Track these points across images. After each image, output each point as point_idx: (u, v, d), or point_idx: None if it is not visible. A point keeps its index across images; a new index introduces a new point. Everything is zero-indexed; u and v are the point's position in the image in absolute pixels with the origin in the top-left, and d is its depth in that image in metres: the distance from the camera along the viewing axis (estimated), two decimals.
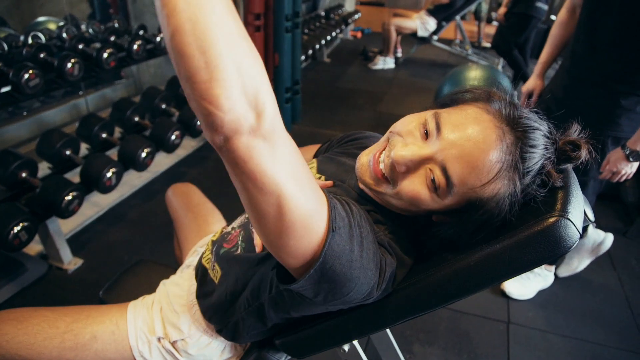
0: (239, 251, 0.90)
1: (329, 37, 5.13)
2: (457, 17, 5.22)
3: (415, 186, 0.68)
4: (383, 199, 0.75)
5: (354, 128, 1.05)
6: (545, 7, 3.88)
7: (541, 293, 2.02)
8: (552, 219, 0.61)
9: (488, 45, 5.94)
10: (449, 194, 0.66)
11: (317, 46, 4.78)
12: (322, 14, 5.76)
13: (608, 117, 1.40)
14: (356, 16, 6.45)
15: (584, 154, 0.66)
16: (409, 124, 0.72)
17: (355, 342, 0.95)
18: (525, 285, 1.97)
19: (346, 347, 0.94)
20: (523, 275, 1.91)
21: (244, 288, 0.87)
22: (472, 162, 0.63)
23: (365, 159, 0.75)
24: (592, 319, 1.93)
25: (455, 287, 0.68)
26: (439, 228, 0.72)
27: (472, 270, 0.66)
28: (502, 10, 3.93)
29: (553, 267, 2.02)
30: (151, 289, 1.13)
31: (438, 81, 3.70)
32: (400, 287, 0.73)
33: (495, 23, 6.04)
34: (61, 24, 3.51)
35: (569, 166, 0.69)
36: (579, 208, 0.63)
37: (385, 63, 5.31)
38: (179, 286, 1.06)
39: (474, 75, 3.12)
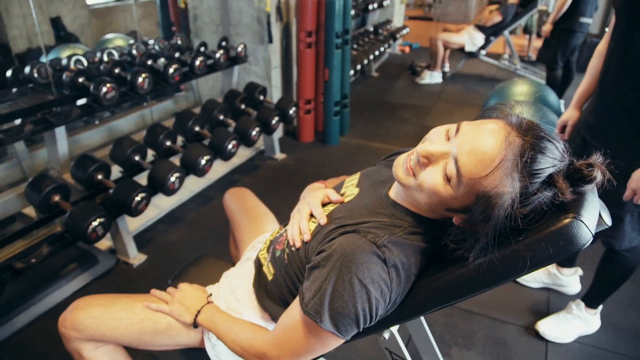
0: (285, 256, 1.03)
1: (377, 52, 5.27)
2: (506, 32, 5.23)
3: (433, 176, 0.80)
4: (410, 195, 0.87)
5: (400, 141, 1.17)
6: (590, 21, 3.88)
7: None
8: (566, 220, 0.71)
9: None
10: (460, 184, 0.77)
11: (366, 61, 4.92)
12: (371, 29, 5.91)
13: (638, 145, 1.39)
14: (404, 31, 6.55)
15: (598, 174, 0.74)
16: (436, 132, 0.84)
17: (395, 332, 1.07)
18: (563, 328, 1.86)
19: (386, 335, 1.05)
20: (561, 316, 1.87)
21: (288, 287, 1.02)
22: (478, 155, 0.75)
23: (401, 159, 0.87)
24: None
25: (479, 280, 0.79)
26: (455, 230, 0.83)
27: (495, 263, 0.76)
28: (548, 27, 3.95)
29: (597, 311, 1.87)
30: (212, 279, 1.29)
31: (486, 95, 3.75)
32: (431, 280, 0.85)
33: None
34: (131, 41, 3.82)
35: (586, 187, 0.76)
36: (592, 212, 0.73)
37: (433, 77, 5.38)
38: (240, 277, 1.22)
39: (519, 90, 3.16)
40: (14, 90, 2.70)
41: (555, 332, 1.86)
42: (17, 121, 2.21)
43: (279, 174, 3.20)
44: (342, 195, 1.05)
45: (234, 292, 1.17)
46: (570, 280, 2.05)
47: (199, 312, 1.09)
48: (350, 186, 1.07)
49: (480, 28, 5.21)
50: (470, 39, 5.19)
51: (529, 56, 6.33)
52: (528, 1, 5.15)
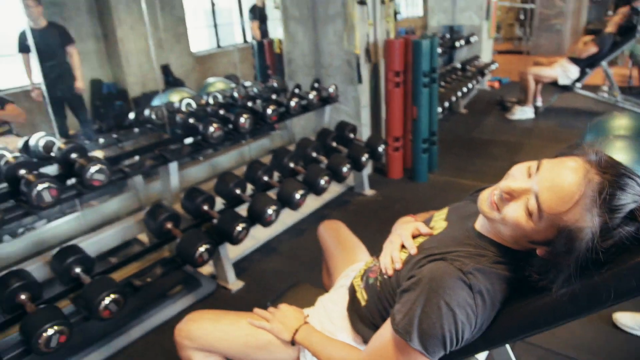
0: (377, 283, 1.11)
1: (465, 89, 5.27)
2: (604, 63, 5.00)
3: (516, 210, 0.85)
4: (494, 228, 0.92)
5: (489, 178, 1.22)
6: None
7: None
8: None
9: None
10: (541, 219, 0.81)
11: (454, 98, 4.94)
12: (459, 66, 5.93)
13: None
14: (493, 67, 6.48)
15: None
16: (518, 169, 0.89)
17: None
18: None
19: None
20: None
21: (379, 312, 1.09)
22: (558, 192, 0.79)
23: (485, 194, 0.93)
24: None
25: (563, 310, 0.83)
26: (538, 261, 0.87)
27: (579, 294, 0.79)
28: None
29: None
30: (308, 303, 1.39)
31: (582, 131, 3.61)
32: (516, 308, 0.90)
33: None
34: (232, 85, 4.17)
35: None
36: None
37: (524, 113, 5.25)
38: (334, 302, 1.31)
39: (618, 124, 3.01)
40: (136, 130, 3.08)
41: None
42: (136, 157, 2.52)
43: (368, 210, 3.29)
44: (431, 228, 1.11)
45: (329, 315, 1.26)
46: None
47: (297, 330, 1.19)
48: (439, 220, 1.14)
49: (575, 60, 5.03)
50: (564, 71, 5.02)
51: (631, 86, 5.96)
52: (627, 29, 4.91)
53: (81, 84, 3.99)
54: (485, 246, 0.95)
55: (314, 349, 1.14)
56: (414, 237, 1.11)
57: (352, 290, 1.24)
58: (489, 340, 0.94)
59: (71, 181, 2.09)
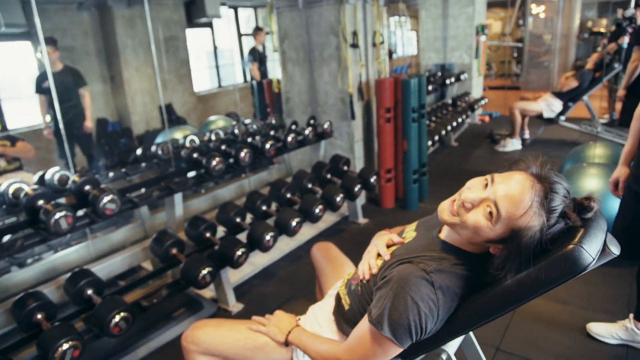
0: (359, 288, 1.29)
1: (455, 123, 5.51)
2: (585, 97, 5.28)
3: (476, 216, 1.03)
4: (456, 231, 1.10)
5: None
6: None
7: None
8: (570, 246, 0.92)
9: None
10: (499, 222, 1.00)
11: (444, 132, 5.18)
12: (449, 101, 6.21)
13: None
14: (482, 102, 6.77)
15: (594, 205, 0.98)
16: (474, 182, 1.08)
17: (452, 354, 1.25)
18: None
19: (444, 357, 1.24)
20: None
21: (361, 313, 1.26)
22: (513, 199, 0.98)
23: (445, 204, 1.11)
24: None
25: (510, 297, 1.00)
26: (497, 259, 1.04)
27: (517, 284, 0.98)
28: (622, 92, 4.03)
29: None
30: (301, 313, 1.56)
31: (563, 159, 3.81)
32: (472, 300, 1.07)
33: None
34: (233, 122, 4.41)
35: (589, 215, 0.98)
36: (595, 241, 0.93)
37: (512, 145, 5.48)
38: (323, 309, 1.48)
39: (593, 152, 3.24)
40: (143, 164, 3.28)
41: None
42: (143, 190, 2.71)
43: (361, 237, 3.46)
44: (403, 238, 1.30)
45: (317, 319, 1.43)
46: None
47: (289, 332, 1.36)
48: (410, 231, 1.33)
49: (558, 94, 5.32)
50: (548, 105, 5.29)
51: (613, 118, 6.23)
52: (601, 66, 5.23)
53: (90, 123, 4.23)
54: (446, 251, 1.13)
55: (304, 346, 1.30)
56: (389, 246, 1.29)
57: (338, 298, 1.41)
58: (451, 331, 1.11)
59: (83, 211, 2.27)
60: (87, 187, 2.31)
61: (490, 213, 1.01)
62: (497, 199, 1.00)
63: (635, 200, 1.75)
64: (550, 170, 1.03)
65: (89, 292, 2.11)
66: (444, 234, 1.18)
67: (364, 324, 1.14)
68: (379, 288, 1.13)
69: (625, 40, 5.51)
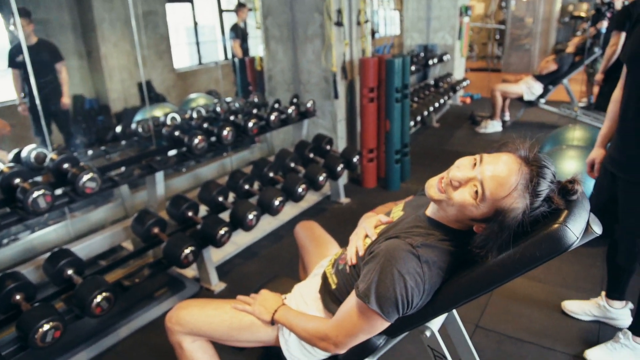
0: (347, 268, 1.30)
1: (437, 104, 5.53)
2: (565, 80, 5.35)
3: (463, 195, 1.04)
4: (442, 209, 1.11)
5: None
6: None
7: None
8: (555, 226, 0.93)
9: None
10: (484, 201, 1.01)
11: (426, 112, 5.20)
12: (432, 82, 6.21)
13: None
14: (464, 83, 6.79)
15: (578, 187, 0.99)
16: (463, 161, 1.09)
17: (435, 331, 1.27)
18: (611, 357, 1.93)
19: (428, 333, 1.27)
20: (609, 345, 1.94)
21: (348, 292, 1.26)
22: (500, 181, 0.99)
23: (433, 181, 1.12)
24: None
25: (494, 276, 1.02)
26: (479, 237, 1.06)
27: (502, 262, 0.99)
28: (600, 76, 4.09)
29: None
30: (286, 291, 1.56)
31: (543, 142, 3.87)
32: (456, 279, 1.08)
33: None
34: (215, 100, 4.35)
35: (573, 197, 1.00)
36: (579, 220, 0.95)
37: (493, 127, 5.54)
38: (308, 287, 1.48)
39: (572, 135, 3.29)
40: (123, 142, 3.22)
41: (602, 358, 1.94)
42: (122, 168, 2.66)
43: (343, 216, 3.48)
44: (391, 218, 1.31)
45: (303, 297, 1.43)
46: (621, 313, 2.11)
47: (275, 311, 1.36)
48: (397, 211, 1.33)
49: (538, 77, 5.37)
50: (528, 88, 5.35)
51: (591, 102, 6.33)
52: (583, 50, 5.29)
53: (67, 99, 4.12)
54: (433, 227, 1.14)
55: (290, 324, 1.31)
56: (376, 227, 1.30)
57: (324, 277, 1.41)
58: (437, 307, 1.12)
59: (61, 190, 2.22)
60: (66, 165, 2.26)
61: (477, 192, 1.02)
62: (484, 179, 1.01)
63: (610, 181, 1.80)
64: (538, 153, 1.04)
65: (69, 272, 2.08)
66: (430, 211, 1.19)
67: (351, 299, 1.15)
68: (366, 263, 1.13)
69: (604, 25, 5.58)
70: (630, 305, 2.13)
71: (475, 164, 1.05)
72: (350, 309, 1.14)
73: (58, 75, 3.86)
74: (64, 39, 5.69)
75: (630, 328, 1.94)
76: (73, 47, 5.91)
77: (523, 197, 0.99)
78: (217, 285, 2.62)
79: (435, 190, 1.10)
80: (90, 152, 3.28)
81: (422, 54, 6.36)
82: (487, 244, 1.03)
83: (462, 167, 1.07)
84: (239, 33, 6.06)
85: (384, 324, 1.11)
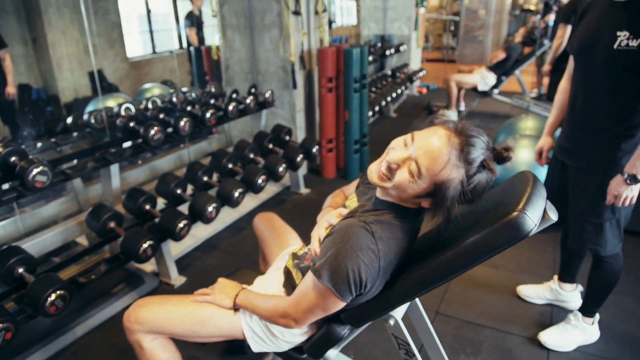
0: (311, 264, 1.30)
1: (394, 94, 5.61)
2: (517, 71, 5.53)
3: (401, 175, 1.06)
4: (387, 193, 1.13)
5: None
6: None
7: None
8: (514, 213, 0.97)
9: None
10: (422, 178, 1.04)
11: (384, 103, 5.26)
12: (389, 73, 6.28)
13: (609, 160, 1.64)
14: (420, 74, 6.91)
15: (512, 154, 1.06)
16: (397, 142, 1.11)
17: (399, 319, 1.30)
18: (564, 338, 2.03)
19: (391, 322, 1.29)
20: (561, 326, 2.05)
21: None
22: (432, 155, 1.02)
23: (373, 167, 1.14)
24: None
25: (455, 264, 1.05)
26: (428, 212, 1.11)
27: (463, 250, 1.02)
28: (547, 67, 4.27)
29: (593, 320, 2.01)
30: (247, 283, 1.55)
31: (497, 131, 4.00)
32: (416, 267, 1.11)
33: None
34: (171, 90, 4.24)
35: (508, 164, 1.06)
36: (537, 208, 0.99)
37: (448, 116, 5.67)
38: (271, 281, 1.49)
39: (525, 125, 3.42)
40: (75, 134, 3.10)
41: (556, 341, 2.03)
42: (75, 161, 2.56)
43: (303, 207, 3.49)
44: (347, 207, 1.33)
45: (266, 290, 1.43)
46: (572, 295, 2.23)
47: (237, 295, 1.36)
48: (353, 200, 1.36)
49: (491, 68, 5.54)
50: (482, 79, 5.50)
51: (541, 92, 6.59)
52: (532, 41, 5.50)
53: (12, 89, 3.92)
54: (385, 207, 1.17)
55: (252, 306, 1.31)
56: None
57: (287, 271, 1.41)
58: (400, 296, 1.15)
59: (9, 184, 2.12)
60: (14, 158, 2.15)
61: (413, 170, 1.04)
62: (418, 157, 1.03)
63: (561, 169, 1.88)
64: (468, 123, 1.07)
65: (20, 270, 1.99)
66: (379, 192, 1.21)
67: (308, 277, 1.16)
68: (323, 242, 1.16)
69: (551, 18, 5.80)
70: (581, 287, 2.24)
71: (407, 143, 1.08)
72: (307, 285, 1.16)
73: (1, 63, 3.66)
74: (6, 25, 5.38)
75: (581, 309, 2.04)
76: (17, 33, 5.60)
77: (458, 167, 1.02)
78: (177, 279, 2.58)
79: (376, 177, 1.12)
80: (39, 144, 3.13)
81: (379, 44, 6.41)
82: (435, 216, 1.08)
83: (397, 148, 1.09)
84: (195, 21, 5.91)
85: (338, 303, 1.12)
